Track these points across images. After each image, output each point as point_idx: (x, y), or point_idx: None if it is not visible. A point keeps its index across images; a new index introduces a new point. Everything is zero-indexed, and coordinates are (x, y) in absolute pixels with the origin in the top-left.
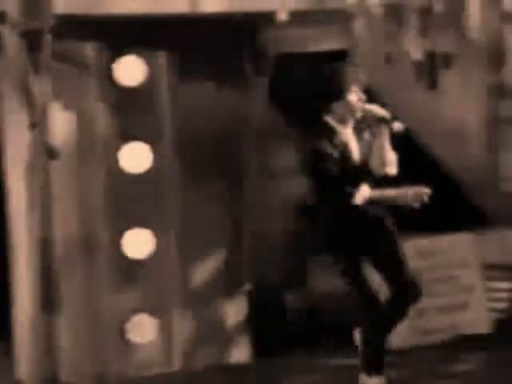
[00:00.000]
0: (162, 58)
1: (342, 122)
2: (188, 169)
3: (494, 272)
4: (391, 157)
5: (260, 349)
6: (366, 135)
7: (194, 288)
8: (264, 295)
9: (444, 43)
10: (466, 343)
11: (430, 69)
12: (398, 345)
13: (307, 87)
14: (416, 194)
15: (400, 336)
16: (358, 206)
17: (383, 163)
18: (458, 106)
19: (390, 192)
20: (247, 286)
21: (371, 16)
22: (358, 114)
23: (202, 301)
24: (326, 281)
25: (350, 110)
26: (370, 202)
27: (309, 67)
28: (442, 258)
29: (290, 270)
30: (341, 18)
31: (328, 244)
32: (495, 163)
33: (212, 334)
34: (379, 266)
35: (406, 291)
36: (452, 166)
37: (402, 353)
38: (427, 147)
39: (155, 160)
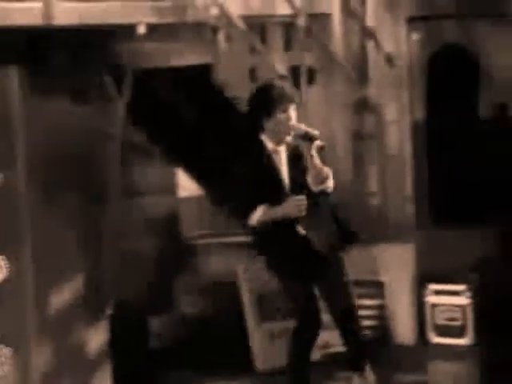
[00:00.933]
0: (12, 72)
1: (274, 139)
2: (43, 188)
3: (362, 289)
4: (325, 172)
5: (122, 376)
6: (304, 152)
7: (52, 315)
8: (127, 319)
9: (308, 58)
10: (338, 361)
11: (295, 83)
12: (271, 365)
13: (174, 103)
14: (295, 205)
15: (273, 356)
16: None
17: (318, 180)
18: (323, 121)
19: (274, 211)
20: (109, 310)
21: (235, 29)
22: (288, 132)
23: (60, 328)
24: (192, 304)
25: (281, 127)
26: (264, 223)
27: (172, 82)
28: None
29: (155, 293)
30: (203, 32)
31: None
32: (362, 178)
33: (72, 362)
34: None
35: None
36: None
37: (276, 373)
38: None
39: (5, 180)
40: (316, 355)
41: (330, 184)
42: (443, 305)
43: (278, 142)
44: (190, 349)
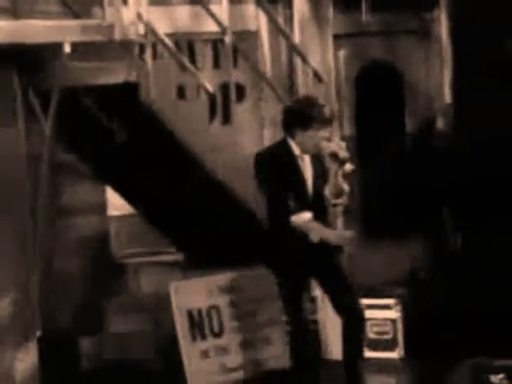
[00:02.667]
0: None
1: (301, 150)
2: None
3: None
4: (343, 188)
5: None
6: (326, 164)
7: None
8: (56, 341)
9: (236, 75)
10: (269, 379)
11: (224, 101)
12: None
13: (102, 121)
14: (350, 238)
15: (205, 374)
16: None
17: (336, 193)
18: (253, 139)
19: (326, 231)
20: (37, 332)
21: (162, 47)
22: (316, 150)
23: None
24: (123, 324)
25: (310, 144)
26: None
27: (99, 101)
28: (242, 294)
29: (85, 313)
30: (130, 50)
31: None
32: None
33: None
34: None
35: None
36: (248, 201)
37: None
38: (224, 183)
39: None
40: (245, 374)
41: (345, 199)
42: (374, 319)
43: (304, 153)
44: (122, 369)
